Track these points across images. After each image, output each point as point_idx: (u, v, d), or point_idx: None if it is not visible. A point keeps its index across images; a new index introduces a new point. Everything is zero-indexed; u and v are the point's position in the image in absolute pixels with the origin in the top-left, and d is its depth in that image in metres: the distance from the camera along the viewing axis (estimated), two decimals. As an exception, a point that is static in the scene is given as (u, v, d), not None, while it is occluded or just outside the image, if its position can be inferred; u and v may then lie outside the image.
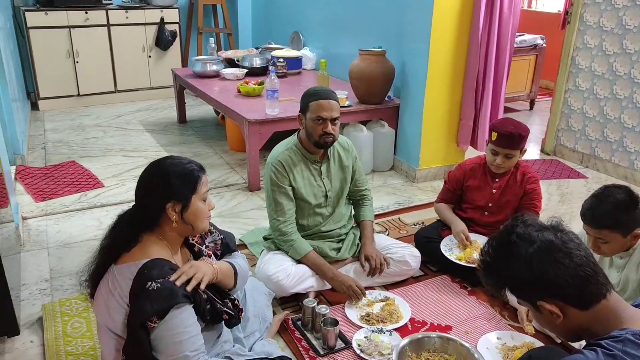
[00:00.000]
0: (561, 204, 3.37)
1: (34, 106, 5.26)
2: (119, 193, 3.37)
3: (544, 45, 5.38)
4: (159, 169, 1.56)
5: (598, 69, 3.84)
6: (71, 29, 5.12)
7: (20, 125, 3.95)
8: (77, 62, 5.22)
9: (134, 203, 1.59)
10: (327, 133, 2.21)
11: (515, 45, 5.09)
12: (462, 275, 2.43)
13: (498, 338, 2.04)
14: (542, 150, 4.38)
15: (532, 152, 4.40)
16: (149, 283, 1.44)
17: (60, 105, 5.28)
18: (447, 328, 2.14)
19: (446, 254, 2.41)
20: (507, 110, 5.50)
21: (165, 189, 1.52)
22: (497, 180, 2.47)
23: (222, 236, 1.83)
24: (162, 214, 1.53)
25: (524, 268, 1.08)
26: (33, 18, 4.93)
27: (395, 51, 3.64)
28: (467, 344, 1.87)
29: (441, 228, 2.57)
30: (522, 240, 1.10)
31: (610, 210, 1.75)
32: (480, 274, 1.18)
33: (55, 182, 3.49)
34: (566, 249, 1.07)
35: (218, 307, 1.63)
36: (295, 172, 2.28)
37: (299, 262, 2.28)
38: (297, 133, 2.35)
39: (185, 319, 1.48)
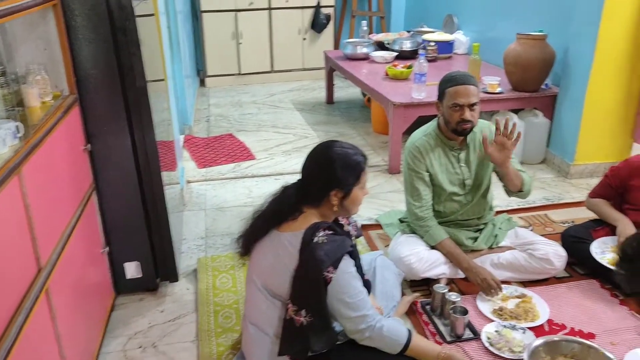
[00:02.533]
0: None
1: (202, 83, 5.82)
2: (268, 166, 3.62)
3: None
4: (328, 156, 1.63)
5: None
6: (237, 13, 5.55)
7: (190, 99, 4.42)
8: (240, 43, 5.65)
9: (300, 178, 1.69)
10: (465, 120, 2.13)
11: None
12: (615, 283, 2.21)
13: (651, 355, 1.84)
14: None
15: None
16: (317, 237, 1.56)
17: (223, 83, 5.79)
18: (590, 336, 1.98)
19: (597, 257, 2.21)
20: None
21: (332, 176, 1.61)
22: None
23: (355, 219, 1.91)
24: (325, 197, 1.63)
25: None
26: (206, 2, 5.45)
27: (558, 35, 3.37)
28: (611, 355, 1.72)
29: (593, 228, 2.36)
30: None
31: None
32: (616, 268, 1.08)
33: (215, 151, 3.86)
34: None
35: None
36: (432, 158, 2.25)
37: (433, 247, 2.27)
38: (437, 119, 2.31)
39: (355, 274, 1.60)
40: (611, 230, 2.31)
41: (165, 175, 2.42)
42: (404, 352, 1.64)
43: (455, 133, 2.21)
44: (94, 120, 1.93)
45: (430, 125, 2.31)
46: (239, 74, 5.80)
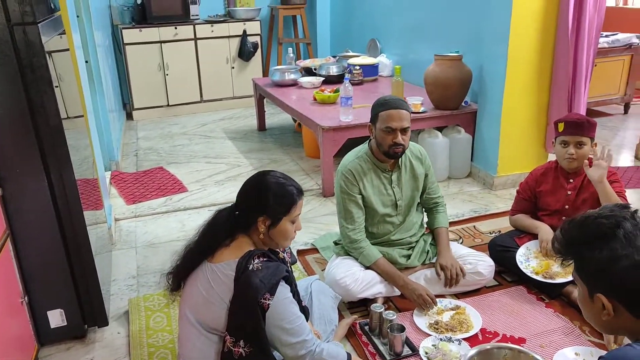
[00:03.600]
0: (656, 215, 3.11)
1: (129, 116, 5.67)
2: (201, 197, 3.56)
3: (640, 44, 5.01)
4: (262, 182, 1.66)
5: (701, 68, 3.52)
6: (162, 44, 5.49)
7: (115, 133, 4.29)
8: (167, 74, 5.58)
9: (234, 202, 1.70)
10: (397, 143, 2.19)
11: (607, 45, 4.82)
12: (540, 287, 2.32)
13: (576, 354, 1.93)
14: (636, 157, 4.07)
15: (624, 158, 4.11)
16: (252, 264, 1.55)
17: (151, 115, 5.67)
18: (521, 340, 2.05)
19: (522, 267, 2.31)
20: (597, 114, 5.18)
21: (262, 202, 1.62)
22: (571, 181, 2.36)
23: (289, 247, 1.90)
24: (254, 223, 1.63)
25: (609, 263, 1.06)
26: (129, 35, 5.35)
27: (473, 55, 3.56)
28: (540, 358, 1.78)
29: (517, 236, 2.47)
30: (624, 238, 1.06)
31: None
32: (558, 235, 1.15)
33: (145, 186, 3.75)
34: None
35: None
36: (365, 181, 2.29)
37: (368, 268, 2.30)
38: (368, 141, 2.36)
39: (292, 300, 1.59)
40: (533, 236, 2.43)
41: (90, 215, 2.32)
42: None
43: (387, 156, 2.26)
44: (3, 163, 1.82)
45: (362, 148, 2.35)
46: (168, 105, 5.70)
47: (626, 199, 2.30)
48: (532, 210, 2.51)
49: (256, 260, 1.57)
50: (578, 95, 3.26)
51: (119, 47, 5.50)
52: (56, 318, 2.06)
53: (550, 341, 2.04)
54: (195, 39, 5.62)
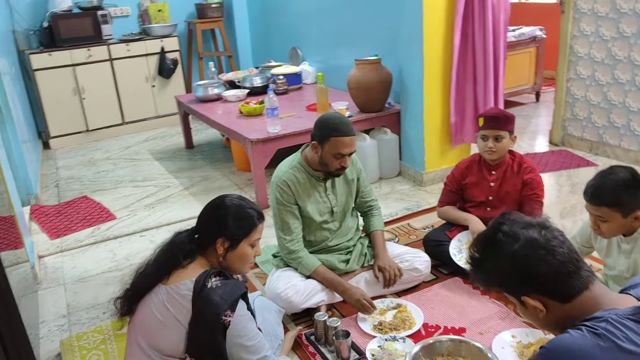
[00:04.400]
0: (572, 194, 3.33)
1: (46, 145, 5.37)
2: (132, 223, 3.42)
3: (544, 36, 5.34)
4: (222, 204, 1.66)
5: (597, 55, 3.81)
6: (75, 67, 5.24)
7: (32, 165, 4.05)
8: (84, 98, 5.33)
9: (195, 225, 1.69)
10: (344, 167, 2.23)
11: (514, 39, 5.11)
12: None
13: (513, 336, 2.02)
14: (550, 142, 4.33)
15: (540, 144, 4.36)
16: (210, 282, 1.53)
17: (70, 142, 5.39)
18: (461, 330, 2.12)
19: (455, 259, 2.40)
20: (512, 104, 5.47)
21: (222, 224, 1.61)
22: (493, 172, 2.47)
23: None
24: (212, 244, 1.62)
25: (508, 265, 1.11)
26: (37, 60, 5.07)
27: (391, 58, 3.66)
28: (479, 345, 1.85)
29: (448, 230, 2.56)
30: (507, 237, 1.12)
31: (611, 188, 1.74)
32: (469, 271, 1.20)
33: (69, 218, 3.56)
34: (549, 246, 1.09)
35: None
36: (300, 191, 2.28)
37: (308, 277, 2.29)
38: (300, 151, 2.35)
39: (250, 317, 1.59)
40: (463, 227, 2.52)
41: (9, 255, 2.17)
42: None
43: (329, 175, 2.28)
44: None
45: (295, 158, 2.34)
46: (87, 130, 5.45)
47: (542, 205, 2.44)
48: (458, 201, 2.60)
49: (214, 278, 1.56)
50: (488, 91, 3.41)
51: (27, 74, 5.20)
52: (-21, 372, 1.90)
53: (489, 327, 2.12)
54: (111, 59, 5.41)
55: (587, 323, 1.04)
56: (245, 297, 1.62)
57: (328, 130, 2.17)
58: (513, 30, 5.20)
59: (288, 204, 2.27)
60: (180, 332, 1.51)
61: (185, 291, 1.53)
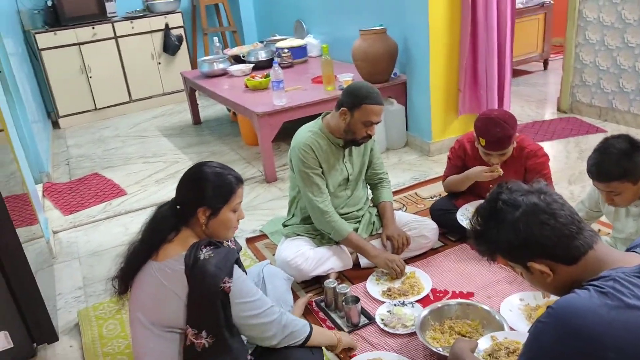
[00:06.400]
0: (580, 161, 3.32)
1: (55, 125, 5.42)
2: (142, 198, 3.47)
3: (552, 2, 5.25)
4: (199, 174, 1.63)
5: (607, 19, 3.74)
6: (81, 46, 5.25)
7: (42, 144, 4.09)
8: (91, 77, 5.35)
9: (174, 197, 1.67)
10: (370, 136, 2.24)
11: (521, 6, 5.03)
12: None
13: (520, 299, 2.05)
14: (558, 109, 4.30)
15: (548, 111, 4.33)
16: (202, 253, 1.52)
17: (79, 121, 5.44)
18: (469, 295, 2.15)
19: (464, 224, 2.40)
20: (520, 72, 5.41)
21: (201, 194, 1.59)
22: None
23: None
24: (194, 215, 1.60)
25: (511, 233, 1.12)
26: (43, 39, 5.07)
27: (397, 28, 3.62)
28: (487, 307, 1.88)
29: (455, 198, 2.57)
30: (507, 206, 1.13)
31: (615, 161, 1.74)
32: (472, 242, 1.21)
33: (81, 194, 3.61)
34: (550, 210, 1.10)
35: None
36: (320, 155, 2.28)
37: (338, 243, 2.32)
38: (321, 117, 2.35)
39: (246, 277, 1.60)
40: (469, 197, 2.53)
41: (25, 231, 2.23)
42: (309, 338, 1.67)
43: (353, 143, 2.28)
44: None
45: (316, 124, 2.33)
46: (95, 109, 5.48)
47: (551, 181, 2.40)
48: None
49: (205, 250, 1.55)
50: (491, 59, 3.38)
51: (34, 54, 5.21)
52: (1, 341, 1.97)
53: (497, 291, 2.15)
54: (116, 37, 5.41)
55: (594, 282, 1.05)
56: (239, 264, 1.63)
57: (360, 98, 2.18)
58: (520, -3, 5.12)
59: (313, 166, 2.26)
60: (179, 304, 1.52)
61: (177, 266, 1.53)
